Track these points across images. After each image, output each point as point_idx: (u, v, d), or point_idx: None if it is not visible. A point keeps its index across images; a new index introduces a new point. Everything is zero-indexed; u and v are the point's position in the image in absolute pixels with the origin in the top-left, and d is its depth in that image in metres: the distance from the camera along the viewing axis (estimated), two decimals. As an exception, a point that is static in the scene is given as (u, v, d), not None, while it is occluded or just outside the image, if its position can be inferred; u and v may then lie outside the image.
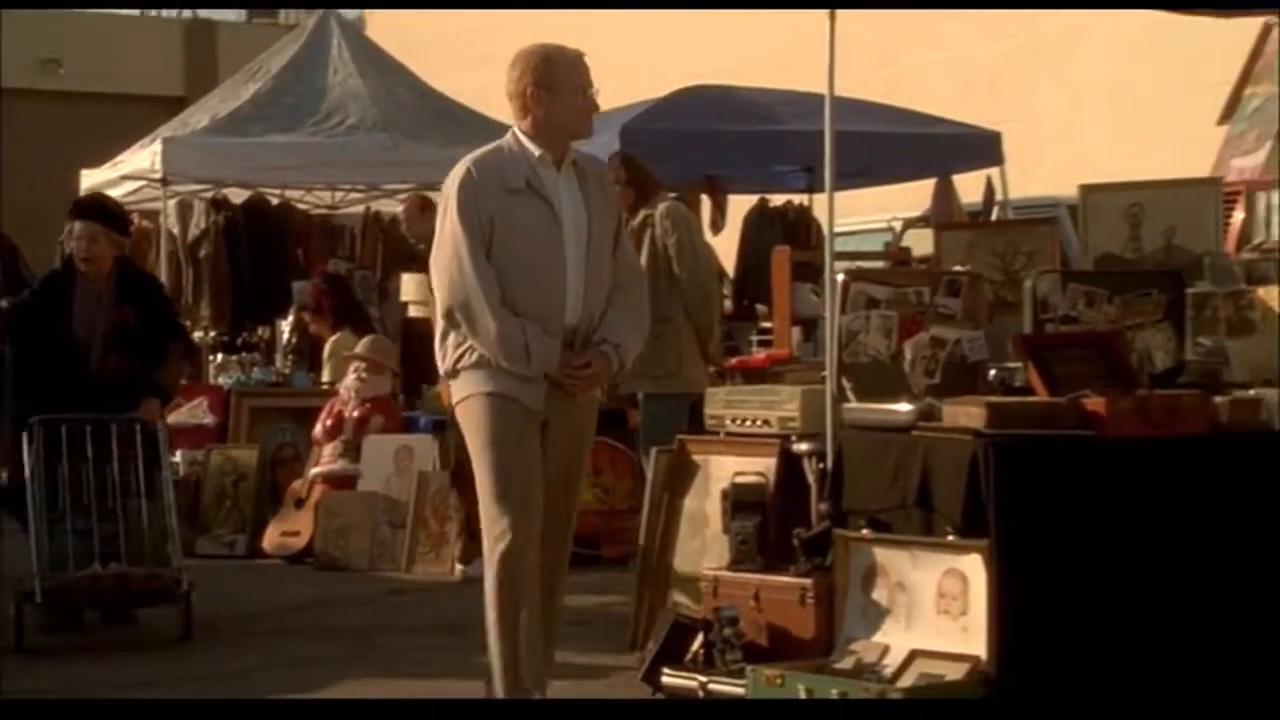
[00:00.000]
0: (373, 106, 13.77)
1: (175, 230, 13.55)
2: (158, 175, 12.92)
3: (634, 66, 20.41)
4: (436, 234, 5.84)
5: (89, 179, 14.22)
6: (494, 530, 5.70)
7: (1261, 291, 7.28)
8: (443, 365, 5.85)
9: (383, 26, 24.30)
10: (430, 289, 9.61)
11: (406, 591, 9.26)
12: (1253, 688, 5.83)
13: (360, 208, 14.74)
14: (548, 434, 5.78)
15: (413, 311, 11.63)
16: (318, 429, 10.81)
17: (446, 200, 5.80)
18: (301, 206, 14.64)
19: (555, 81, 5.81)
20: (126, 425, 7.80)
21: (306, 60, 14.33)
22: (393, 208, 13.90)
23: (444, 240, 5.78)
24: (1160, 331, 6.77)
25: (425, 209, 12.16)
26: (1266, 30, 10.90)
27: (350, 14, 18.09)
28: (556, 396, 5.74)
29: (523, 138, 5.84)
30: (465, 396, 5.77)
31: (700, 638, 6.32)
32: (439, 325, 5.85)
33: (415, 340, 11.43)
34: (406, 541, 9.94)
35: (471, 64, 24.64)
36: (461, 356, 5.74)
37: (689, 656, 6.33)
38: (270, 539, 10.50)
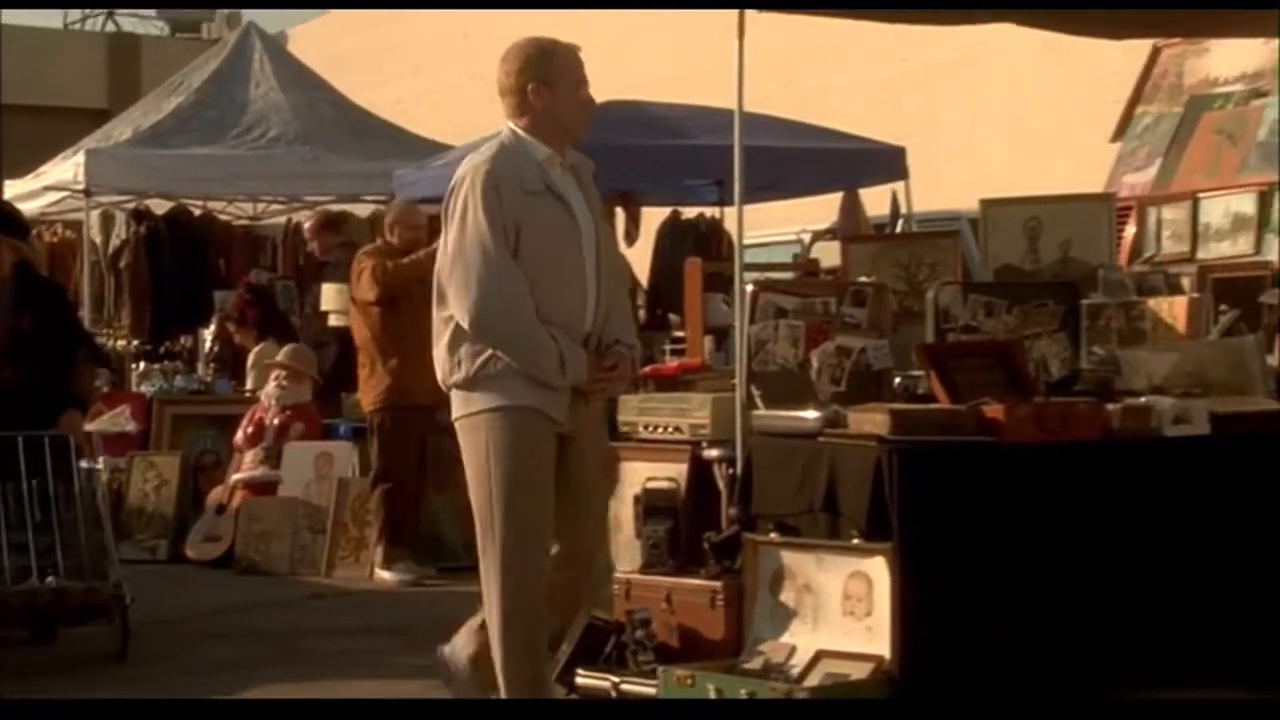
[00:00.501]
0: (294, 120, 13.72)
1: (98, 240, 13.44)
2: (80, 186, 12.83)
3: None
4: (452, 238, 5.36)
5: (12, 189, 14.06)
6: (507, 551, 5.32)
7: (1152, 303, 7.38)
8: (453, 375, 5.39)
9: (305, 42, 24.21)
10: (353, 298, 9.65)
11: (326, 595, 9.21)
12: (1150, 686, 5.87)
13: (282, 219, 14.64)
14: (572, 447, 5.45)
15: (333, 321, 11.54)
16: (239, 436, 10.74)
17: (463, 202, 5.33)
18: (224, 218, 14.54)
19: (554, 76, 5.43)
20: (59, 439, 7.59)
21: (228, 74, 14.28)
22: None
23: (466, 244, 5.31)
24: (1056, 341, 6.84)
25: (329, 226, 12.12)
26: (1155, 53, 11.04)
27: (272, 29, 18.00)
28: (575, 406, 5.41)
29: (525, 136, 5.43)
30: (487, 409, 5.33)
31: (613, 639, 6.31)
32: (446, 333, 5.39)
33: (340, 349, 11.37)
34: (326, 546, 9.89)
35: (390, 79, 24.63)
36: (484, 365, 5.31)
37: (603, 657, 6.31)
38: (192, 544, 10.42)
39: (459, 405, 5.42)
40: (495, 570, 5.37)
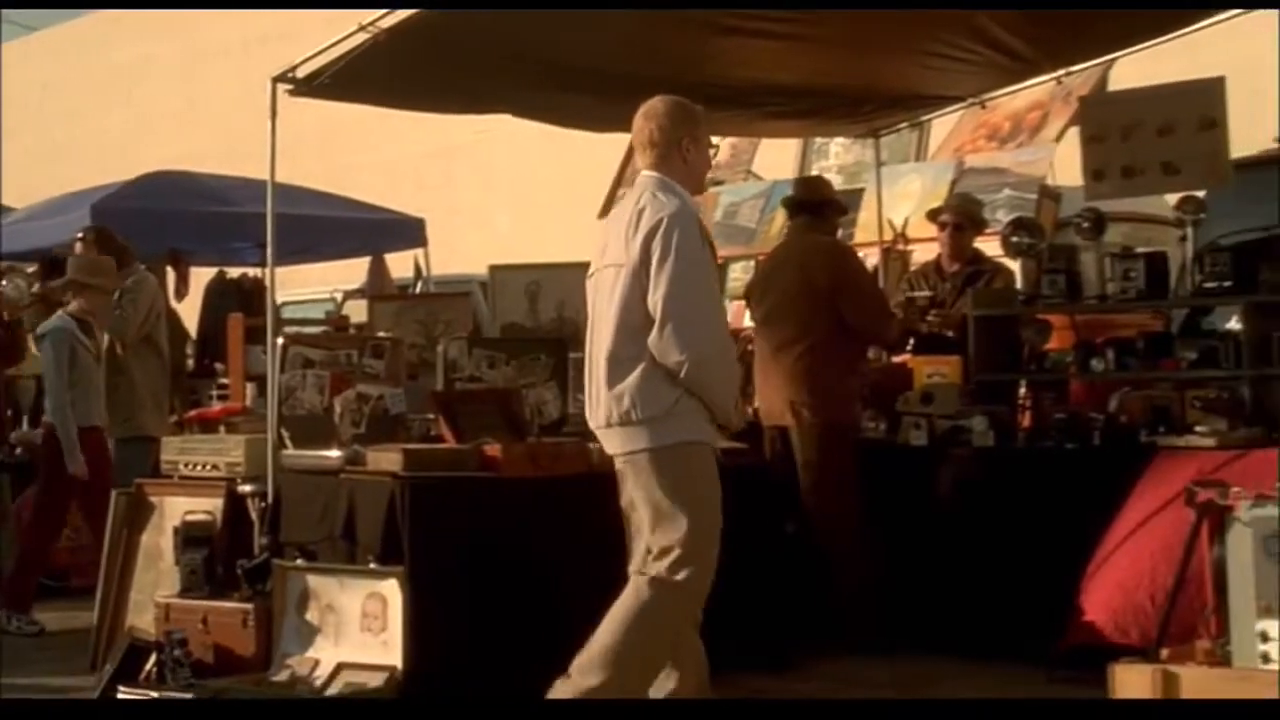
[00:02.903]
0: None
1: None
2: None
3: (103, 151, 19.65)
4: (666, 276, 4.80)
5: None
6: (696, 569, 4.89)
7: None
8: (643, 409, 4.85)
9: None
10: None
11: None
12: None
13: None
14: None
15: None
16: None
17: (677, 243, 4.82)
18: None
19: (701, 134, 5.08)
20: None
21: None
22: None
23: (688, 284, 4.80)
24: (548, 389, 6.92)
25: None
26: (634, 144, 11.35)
27: None
28: None
29: (679, 187, 5.00)
30: (685, 442, 4.87)
31: (154, 658, 6.07)
32: (638, 367, 4.85)
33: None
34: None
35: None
36: (680, 400, 4.82)
37: (143, 675, 6.07)
38: None
39: (642, 439, 4.88)
40: (677, 575, 4.88)
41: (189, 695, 5.71)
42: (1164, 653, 4.63)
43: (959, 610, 6.55)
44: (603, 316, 4.97)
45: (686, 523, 4.89)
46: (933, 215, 8.10)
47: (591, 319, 5.07)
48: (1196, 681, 4.42)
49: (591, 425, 5.10)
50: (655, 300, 4.81)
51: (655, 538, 4.93)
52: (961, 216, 7.88)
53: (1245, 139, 8.20)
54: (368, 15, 6.19)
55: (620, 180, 11.28)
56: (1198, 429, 6.34)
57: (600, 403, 4.96)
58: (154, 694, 5.89)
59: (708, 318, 4.88)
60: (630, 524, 5.11)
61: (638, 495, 4.98)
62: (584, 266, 9.05)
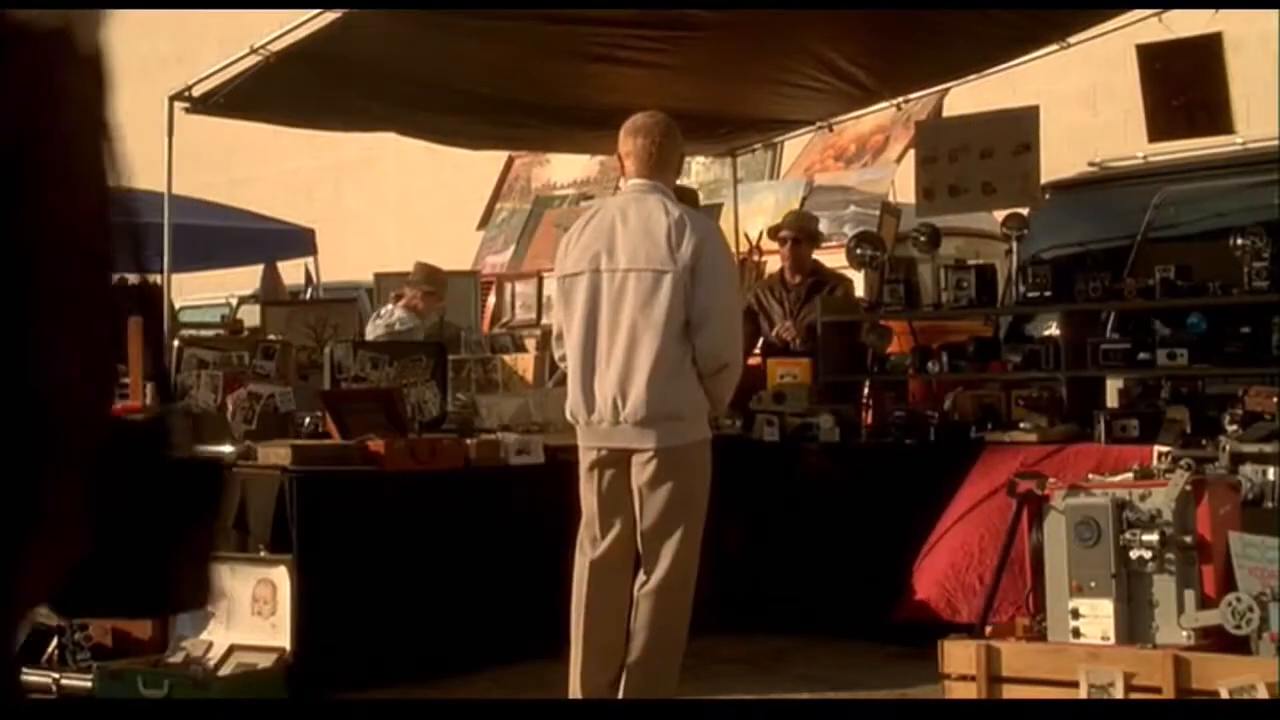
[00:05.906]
0: None
1: None
2: None
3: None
4: (722, 284, 4.74)
5: None
6: (697, 561, 4.82)
7: (507, 358, 7.55)
8: (689, 407, 4.75)
9: None
10: None
11: None
12: (502, 662, 5.93)
13: None
14: None
15: None
16: None
17: (723, 254, 4.88)
18: None
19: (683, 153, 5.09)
20: None
21: None
22: None
23: (732, 293, 4.87)
24: (429, 388, 6.87)
25: None
26: (510, 161, 11.36)
27: None
28: None
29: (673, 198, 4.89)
30: (708, 438, 4.84)
31: (55, 641, 5.94)
32: (686, 359, 4.70)
33: None
34: None
35: None
36: (701, 400, 4.77)
37: (45, 658, 5.93)
38: None
39: (683, 434, 4.72)
40: (689, 573, 4.80)
41: (89, 677, 5.61)
42: (988, 629, 4.72)
43: (806, 591, 6.61)
44: (628, 317, 4.73)
45: (698, 507, 4.81)
46: (773, 232, 8.17)
47: (593, 318, 4.78)
48: (1015, 655, 4.51)
49: (595, 420, 4.81)
50: (706, 306, 4.68)
51: (669, 524, 4.76)
52: (798, 232, 7.95)
53: (1065, 163, 8.38)
54: (259, 38, 6.13)
55: (497, 195, 11.26)
56: (1021, 425, 6.48)
57: (633, 399, 4.70)
58: (55, 675, 5.79)
59: (741, 326, 4.95)
60: (608, 508, 4.85)
61: (660, 485, 4.74)
62: (462, 275, 9.09)
